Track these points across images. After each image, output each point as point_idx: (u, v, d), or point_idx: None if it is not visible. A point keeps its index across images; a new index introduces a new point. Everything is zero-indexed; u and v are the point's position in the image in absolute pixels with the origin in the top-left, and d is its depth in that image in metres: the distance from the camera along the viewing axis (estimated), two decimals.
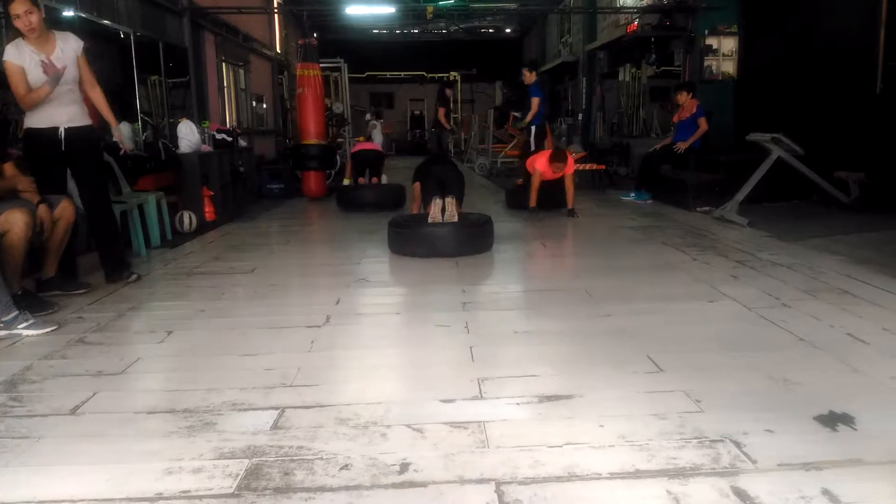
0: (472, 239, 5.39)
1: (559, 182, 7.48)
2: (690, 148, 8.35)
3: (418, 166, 6.49)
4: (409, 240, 5.41)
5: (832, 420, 2.27)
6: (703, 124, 8.30)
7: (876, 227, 5.90)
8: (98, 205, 4.53)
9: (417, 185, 6.22)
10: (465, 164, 15.80)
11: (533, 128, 8.85)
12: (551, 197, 7.57)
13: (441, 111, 11.60)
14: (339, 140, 14.03)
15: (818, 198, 7.35)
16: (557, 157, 7.37)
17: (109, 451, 2.19)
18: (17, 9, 4.00)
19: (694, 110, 8.40)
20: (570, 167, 7.38)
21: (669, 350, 3.02)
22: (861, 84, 7.34)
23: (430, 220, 5.56)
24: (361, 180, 9.39)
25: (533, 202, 7.32)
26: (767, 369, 2.74)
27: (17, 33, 4.10)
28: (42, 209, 3.88)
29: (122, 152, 4.86)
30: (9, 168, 3.98)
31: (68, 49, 4.23)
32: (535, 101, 8.75)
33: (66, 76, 4.18)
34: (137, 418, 2.44)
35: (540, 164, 7.35)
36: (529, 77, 9.03)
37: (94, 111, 4.52)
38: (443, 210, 5.58)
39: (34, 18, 4.03)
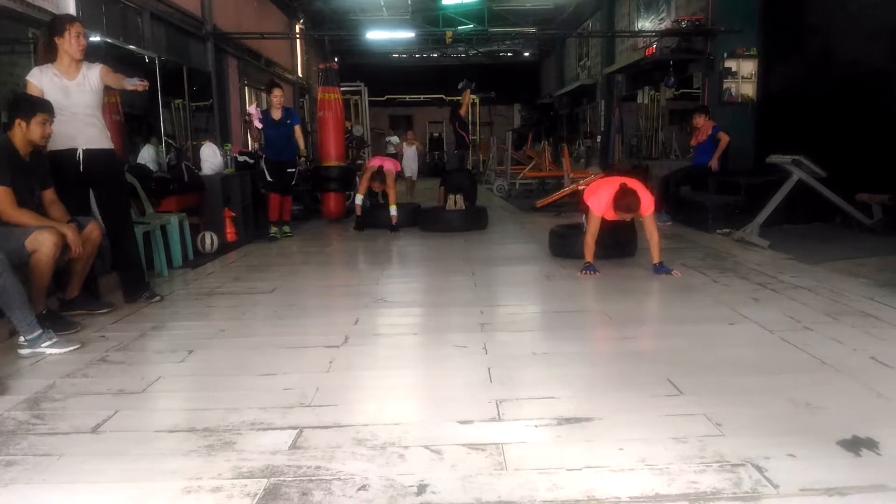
0: (471, 220, 8.41)
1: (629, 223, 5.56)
2: (709, 170, 8.34)
3: (443, 176, 10.06)
4: (434, 221, 8.41)
5: (855, 445, 2.24)
6: (724, 137, 8.28)
7: None
8: (120, 227, 4.59)
9: (442, 188, 9.69)
10: (484, 186, 15.86)
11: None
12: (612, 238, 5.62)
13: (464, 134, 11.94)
14: (359, 162, 14.20)
15: (840, 220, 7.28)
16: (625, 197, 5.04)
17: (130, 469, 2.21)
18: (78, 29, 4.25)
19: (710, 131, 8.40)
20: (649, 207, 5.14)
21: (689, 373, 2.99)
22: (882, 107, 7.29)
23: (447, 209, 8.57)
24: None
25: (589, 256, 5.26)
26: (789, 393, 2.71)
27: (50, 59, 4.25)
28: (70, 228, 3.92)
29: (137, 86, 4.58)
30: (48, 194, 4.07)
31: (91, 76, 4.38)
32: None
33: (86, 100, 4.35)
34: (158, 437, 2.46)
35: (596, 204, 5.17)
36: None
37: (117, 136, 4.60)
38: (455, 202, 8.58)
39: (83, 42, 4.28)
